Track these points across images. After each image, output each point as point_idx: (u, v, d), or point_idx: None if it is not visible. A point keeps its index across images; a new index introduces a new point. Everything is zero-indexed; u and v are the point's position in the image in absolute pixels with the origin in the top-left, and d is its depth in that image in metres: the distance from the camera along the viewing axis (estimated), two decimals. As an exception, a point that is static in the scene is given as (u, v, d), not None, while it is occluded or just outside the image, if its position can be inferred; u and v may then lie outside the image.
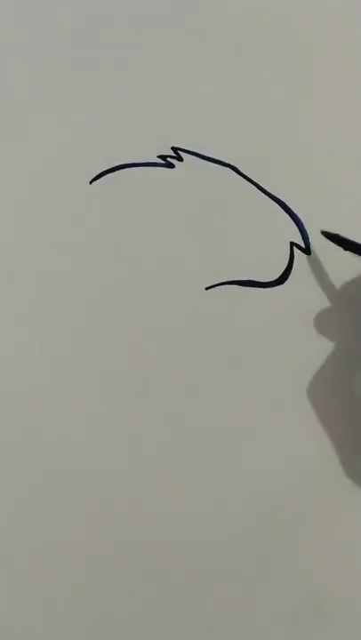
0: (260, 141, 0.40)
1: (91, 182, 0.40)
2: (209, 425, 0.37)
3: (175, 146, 0.40)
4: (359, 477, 0.37)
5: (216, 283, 0.39)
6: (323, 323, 0.38)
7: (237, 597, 0.36)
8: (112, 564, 0.36)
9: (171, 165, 0.40)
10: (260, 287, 0.39)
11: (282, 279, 0.39)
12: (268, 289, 0.39)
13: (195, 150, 0.40)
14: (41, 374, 0.37)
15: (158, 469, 0.37)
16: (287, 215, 0.40)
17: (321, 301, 0.38)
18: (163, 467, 0.37)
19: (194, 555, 0.36)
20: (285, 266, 0.39)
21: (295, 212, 0.40)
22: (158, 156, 0.40)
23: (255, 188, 0.40)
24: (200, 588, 0.36)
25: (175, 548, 0.36)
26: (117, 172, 0.40)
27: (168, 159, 0.40)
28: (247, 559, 0.36)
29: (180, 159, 0.40)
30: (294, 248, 0.39)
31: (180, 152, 0.40)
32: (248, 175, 0.40)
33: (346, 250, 0.37)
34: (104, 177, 0.40)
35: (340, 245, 0.37)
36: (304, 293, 0.39)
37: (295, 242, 0.39)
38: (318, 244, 0.39)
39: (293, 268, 0.39)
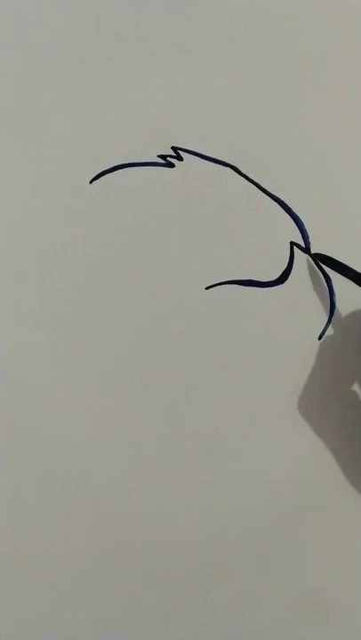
0: (260, 141, 0.40)
1: (91, 182, 0.40)
2: (209, 424, 0.37)
3: (175, 145, 0.40)
4: (358, 477, 0.37)
5: (216, 282, 0.39)
6: (322, 322, 0.38)
7: (237, 597, 0.36)
8: (112, 563, 0.36)
9: (171, 165, 0.40)
10: (260, 287, 0.39)
11: (282, 279, 0.39)
12: (268, 289, 0.39)
13: (195, 150, 0.40)
14: (41, 374, 0.37)
15: (158, 469, 0.37)
16: (287, 215, 0.40)
17: (321, 301, 0.39)
18: (163, 467, 0.37)
19: (194, 554, 0.36)
20: (285, 266, 0.39)
21: (295, 211, 0.40)
22: (158, 156, 0.40)
23: (255, 187, 0.40)
24: (200, 587, 0.36)
25: (175, 548, 0.36)
26: (117, 171, 0.40)
27: (168, 159, 0.40)
28: (247, 559, 0.36)
29: (180, 159, 0.40)
30: (294, 248, 0.39)
31: (180, 152, 0.40)
32: (248, 175, 0.40)
33: (335, 271, 0.38)
34: (104, 177, 0.40)
35: (330, 267, 0.38)
36: (304, 293, 0.39)
37: (295, 242, 0.39)
38: (318, 244, 0.39)
39: (293, 268, 0.39)
